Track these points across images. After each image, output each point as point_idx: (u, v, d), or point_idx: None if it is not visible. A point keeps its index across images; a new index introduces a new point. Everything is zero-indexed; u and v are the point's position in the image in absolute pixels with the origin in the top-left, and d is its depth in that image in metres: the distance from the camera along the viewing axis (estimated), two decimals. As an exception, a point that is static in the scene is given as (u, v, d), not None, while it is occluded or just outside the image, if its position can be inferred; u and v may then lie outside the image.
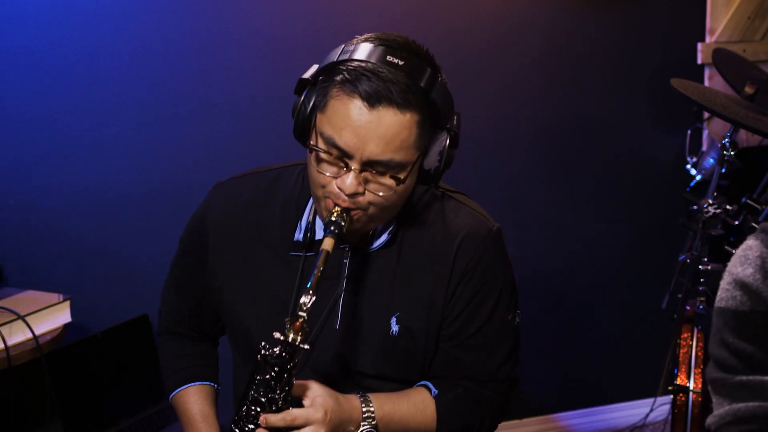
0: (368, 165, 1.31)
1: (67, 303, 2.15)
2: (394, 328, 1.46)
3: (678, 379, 2.44)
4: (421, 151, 1.36)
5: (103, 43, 2.41)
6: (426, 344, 1.48)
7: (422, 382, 1.52)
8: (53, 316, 2.12)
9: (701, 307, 2.24)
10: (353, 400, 1.41)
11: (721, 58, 2.49)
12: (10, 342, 1.98)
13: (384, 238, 1.46)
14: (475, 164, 2.78)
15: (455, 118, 1.40)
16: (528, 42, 2.79)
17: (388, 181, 1.33)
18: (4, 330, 1.97)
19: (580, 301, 3.07)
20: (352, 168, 1.31)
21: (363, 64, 1.29)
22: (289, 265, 1.47)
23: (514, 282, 1.54)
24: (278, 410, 1.30)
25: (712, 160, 2.84)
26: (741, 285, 1.11)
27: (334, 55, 1.34)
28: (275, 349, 1.27)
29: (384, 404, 1.43)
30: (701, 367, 2.31)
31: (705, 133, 2.96)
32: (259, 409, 1.30)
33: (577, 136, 2.93)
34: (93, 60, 2.41)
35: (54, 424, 2.23)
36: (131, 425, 2.35)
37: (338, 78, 1.31)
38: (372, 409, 1.41)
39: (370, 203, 1.35)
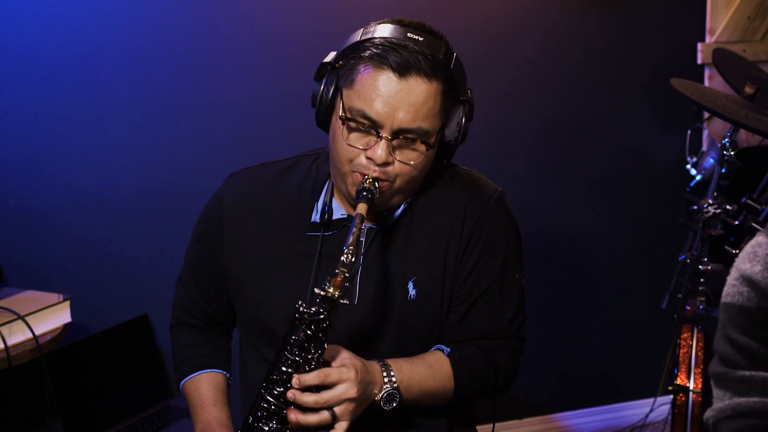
0: (398, 134, 1.38)
1: (67, 303, 2.15)
2: (412, 292, 1.50)
3: (678, 379, 2.44)
4: (443, 122, 1.45)
5: (103, 43, 2.41)
6: (442, 305, 1.52)
7: (436, 346, 1.55)
8: (53, 316, 2.12)
9: (701, 307, 2.24)
10: (374, 365, 1.43)
11: (721, 58, 2.49)
12: (10, 342, 1.98)
13: (400, 210, 1.51)
14: (474, 164, 2.77)
15: (469, 91, 1.48)
16: (528, 42, 2.79)
17: (417, 148, 1.41)
18: (4, 330, 1.97)
19: (580, 300, 3.07)
20: (383, 136, 1.37)
21: (388, 39, 1.38)
22: (307, 245, 1.51)
23: (520, 242, 1.61)
24: (310, 371, 1.32)
25: (712, 160, 2.84)
26: (748, 281, 1.11)
27: (356, 37, 1.42)
28: (312, 308, 1.30)
29: (402, 367, 1.46)
30: (701, 367, 2.31)
31: (705, 133, 2.96)
32: (291, 370, 1.32)
33: (577, 136, 2.93)
34: (93, 60, 2.41)
35: (54, 424, 2.23)
36: (131, 425, 2.35)
37: (366, 54, 1.38)
38: (392, 372, 1.44)
39: (397, 175, 1.41)
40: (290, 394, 1.31)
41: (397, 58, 1.36)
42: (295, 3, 2.54)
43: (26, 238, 2.43)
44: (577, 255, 3.02)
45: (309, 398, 1.31)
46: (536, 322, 2.99)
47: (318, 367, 1.33)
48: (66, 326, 2.15)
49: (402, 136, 1.39)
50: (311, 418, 1.32)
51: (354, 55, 1.40)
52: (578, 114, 2.91)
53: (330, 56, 1.47)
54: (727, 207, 2.29)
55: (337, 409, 1.32)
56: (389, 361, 1.46)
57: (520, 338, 1.60)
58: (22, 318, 2.00)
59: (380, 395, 1.41)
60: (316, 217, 1.52)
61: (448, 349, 1.53)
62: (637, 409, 3.15)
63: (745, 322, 1.11)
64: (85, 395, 2.30)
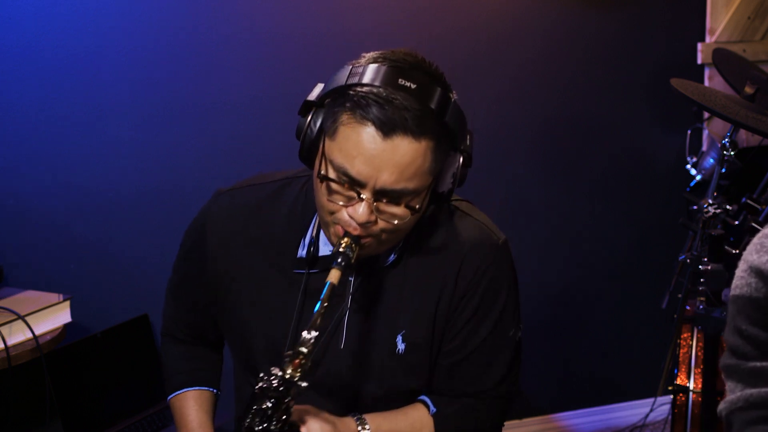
0: (381, 194, 1.26)
1: (67, 303, 2.15)
2: (401, 346, 1.43)
3: (678, 379, 2.44)
4: (434, 176, 1.31)
5: (103, 43, 2.41)
6: (431, 358, 1.46)
7: (421, 398, 1.50)
8: (53, 316, 2.12)
9: (701, 307, 2.24)
10: (350, 423, 1.38)
11: (721, 58, 2.49)
12: (10, 342, 1.98)
13: (392, 258, 1.42)
14: (474, 164, 2.77)
15: (468, 137, 1.34)
16: (528, 42, 2.79)
17: (401, 209, 1.28)
18: (4, 330, 1.97)
19: (580, 301, 3.07)
20: (365, 198, 1.25)
21: (374, 90, 1.22)
22: (292, 281, 1.43)
23: (518, 295, 1.51)
24: None
25: (712, 160, 2.84)
26: (757, 272, 1.11)
27: (342, 77, 1.27)
28: (273, 382, 1.20)
29: (381, 425, 1.40)
30: (701, 367, 2.31)
31: (705, 133, 2.96)
32: None
33: (577, 136, 2.93)
34: (93, 60, 2.41)
35: (54, 424, 2.23)
36: (131, 425, 2.35)
37: (348, 104, 1.24)
38: (367, 427, 1.38)
39: (382, 230, 1.30)
40: None
41: (382, 116, 1.21)
42: (295, 3, 2.54)
43: (26, 238, 2.43)
44: (577, 255, 3.02)
45: None
46: (536, 322, 3.00)
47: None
48: (66, 326, 2.15)
49: (385, 198, 1.26)
50: None
51: (338, 102, 1.26)
52: (578, 114, 2.91)
53: (316, 91, 1.33)
54: (727, 207, 2.29)
55: None
56: (368, 418, 1.40)
57: (509, 397, 1.52)
58: (22, 318, 2.00)
59: None
60: (302, 252, 1.43)
61: (434, 408, 1.47)
62: (637, 409, 3.15)
63: (755, 313, 1.11)
64: (85, 395, 2.30)
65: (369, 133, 1.22)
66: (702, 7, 2.92)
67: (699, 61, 2.94)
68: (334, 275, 1.25)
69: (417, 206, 1.29)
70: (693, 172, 2.89)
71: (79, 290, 2.35)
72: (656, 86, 2.92)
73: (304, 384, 1.20)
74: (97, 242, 2.50)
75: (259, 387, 1.22)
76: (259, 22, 2.53)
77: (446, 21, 2.69)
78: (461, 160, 1.32)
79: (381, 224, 1.29)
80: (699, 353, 2.39)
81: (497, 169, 2.85)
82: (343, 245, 1.27)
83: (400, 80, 1.23)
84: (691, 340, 2.45)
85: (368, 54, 1.30)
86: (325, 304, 1.22)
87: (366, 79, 1.23)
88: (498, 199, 2.86)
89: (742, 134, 2.92)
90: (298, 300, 1.40)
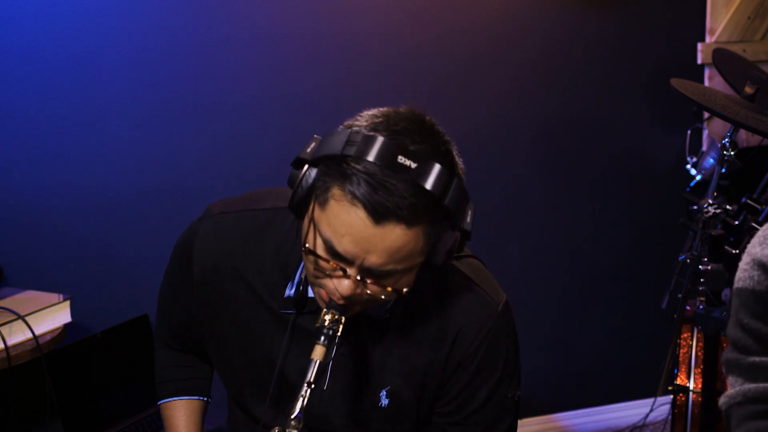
0: (367, 273, 1.19)
1: (67, 303, 2.15)
2: (384, 401, 1.38)
3: (678, 379, 2.44)
4: (427, 253, 1.22)
5: (103, 43, 2.41)
6: (417, 419, 1.41)
7: None
8: (53, 316, 2.12)
9: (701, 307, 2.24)
10: None
11: (721, 58, 2.49)
12: (10, 342, 1.98)
13: (380, 313, 1.35)
14: (474, 164, 2.77)
15: (469, 215, 1.23)
16: (528, 42, 2.79)
17: (391, 282, 1.21)
18: (4, 330, 1.97)
19: (579, 300, 3.07)
20: (350, 274, 1.18)
21: (369, 169, 1.12)
22: (278, 321, 1.38)
23: (518, 358, 1.44)
24: None
25: (712, 160, 2.84)
26: (760, 265, 1.10)
27: (338, 144, 1.16)
28: None
29: None
30: (701, 367, 2.31)
31: (705, 133, 2.96)
32: None
33: (577, 136, 2.93)
34: (93, 60, 2.41)
35: (54, 424, 2.23)
36: (131, 425, 2.35)
37: (340, 178, 1.14)
38: None
39: (368, 300, 1.23)
40: None
41: (374, 201, 1.11)
42: (295, 3, 2.54)
43: (26, 238, 2.43)
44: (577, 255, 3.02)
45: None
46: (536, 322, 3.00)
47: None
48: (66, 326, 2.15)
49: (371, 276, 1.19)
50: None
51: (330, 171, 1.16)
52: (578, 114, 2.91)
53: (310, 148, 1.22)
54: (727, 207, 2.29)
55: None
56: None
57: None
58: (22, 318, 2.00)
59: None
60: (290, 292, 1.36)
61: None
62: (637, 409, 3.15)
63: (757, 306, 1.11)
64: (85, 395, 2.30)
65: (359, 216, 1.13)
66: (702, 7, 2.92)
67: (699, 61, 2.94)
68: (318, 352, 1.18)
69: (404, 288, 1.22)
70: (693, 172, 2.89)
71: (79, 290, 2.35)
72: (656, 86, 2.92)
73: None
74: (97, 242, 2.50)
75: None
76: (259, 22, 2.53)
77: (446, 21, 2.69)
78: (458, 237, 1.22)
79: (366, 296, 1.22)
80: (699, 353, 2.39)
81: (497, 169, 2.85)
82: (327, 321, 1.20)
83: (399, 158, 1.13)
84: (691, 340, 2.45)
85: (368, 113, 1.20)
86: (312, 386, 1.17)
87: (362, 153, 1.13)
88: (498, 199, 2.86)
89: (742, 134, 2.92)
90: (284, 341, 1.35)
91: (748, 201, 2.27)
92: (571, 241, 3.00)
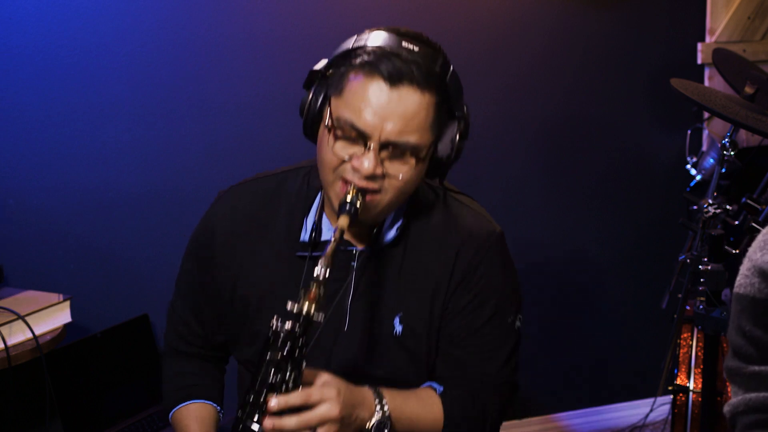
0: (386, 146, 1.32)
1: (67, 303, 2.15)
2: (398, 328, 1.46)
3: (678, 379, 2.43)
4: (436, 136, 1.37)
5: (102, 43, 2.41)
6: (429, 344, 1.48)
7: (427, 383, 1.52)
8: (53, 316, 2.12)
9: (701, 307, 2.24)
10: (364, 389, 1.39)
11: (721, 58, 2.49)
12: (10, 342, 1.98)
13: (393, 233, 1.46)
14: (474, 164, 2.78)
15: (465, 108, 1.41)
16: (528, 42, 2.79)
17: (407, 161, 1.34)
18: (4, 330, 1.97)
19: (579, 300, 3.07)
20: (371, 148, 1.31)
21: (381, 47, 1.31)
22: (295, 266, 1.46)
23: (517, 285, 1.54)
24: (289, 392, 1.25)
25: (712, 160, 2.84)
26: (760, 272, 1.09)
27: (348, 44, 1.35)
28: (287, 325, 1.22)
29: (394, 397, 1.41)
30: (701, 367, 2.31)
31: (705, 133, 2.96)
32: (268, 392, 1.25)
33: (577, 136, 2.93)
34: (93, 60, 2.41)
35: (54, 424, 2.23)
36: (131, 425, 2.36)
37: (356, 61, 1.32)
38: (385, 401, 1.39)
39: (385, 188, 1.35)
40: (268, 421, 1.22)
41: (389, 67, 1.29)
42: (295, 3, 2.54)
43: (26, 238, 2.43)
44: (577, 255, 3.02)
45: (290, 421, 1.23)
46: (536, 322, 3.00)
47: (297, 388, 1.25)
48: (66, 326, 2.15)
49: (389, 149, 1.32)
50: None
51: (345, 63, 1.34)
52: (578, 114, 2.91)
53: (320, 64, 1.40)
54: (727, 207, 2.29)
55: (321, 430, 1.26)
56: (382, 389, 1.41)
57: (510, 384, 1.54)
58: (22, 318, 2.00)
59: (371, 423, 1.36)
60: (305, 236, 1.47)
61: (440, 388, 1.49)
62: (637, 409, 3.15)
63: (757, 313, 1.10)
64: (85, 395, 2.30)
65: (376, 85, 1.30)
66: (702, 7, 2.92)
67: (699, 61, 2.94)
68: (342, 221, 1.29)
69: (419, 159, 1.34)
70: (693, 172, 2.89)
71: (79, 290, 2.35)
72: (656, 86, 2.92)
73: (321, 317, 1.23)
74: (97, 242, 2.50)
75: (273, 331, 1.23)
76: (259, 23, 2.53)
77: (446, 21, 2.69)
78: (460, 126, 1.39)
79: (385, 180, 1.34)
80: (699, 353, 2.39)
81: (497, 169, 2.85)
82: (350, 195, 1.31)
83: (404, 43, 1.31)
84: (691, 340, 2.45)
85: (370, 29, 1.37)
86: (336, 240, 1.26)
87: (372, 43, 1.32)
88: (498, 199, 2.86)
89: (742, 134, 2.92)
90: (301, 284, 1.42)
91: (748, 201, 2.27)
92: (571, 240, 3.00)
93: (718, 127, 2.93)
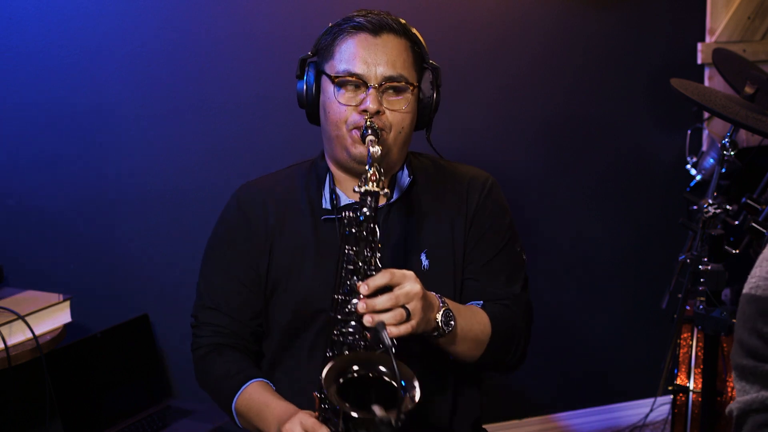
0: (383, 84, 1.53)
1: (67, 303, 2.15)
2: (425, 262, 1.61)
3: (678, 379, 2.43)
4: (418, 77, 1.59)
5: (102, 43, 2.41)
6: (455, 274, 1.63)
7: (468, 304, 1.63)
8: (53, 316, 2.12)
9: (701, 307, 2.24)
10: (431, 296, 1.46)
11: (721, 58, 2.49)
12: (10, 342, 1.98)
13: (406, 180, 1.63)
14: (474, 163, 2.77)
15: (431, 61, 1.62)
16: (528, 42, 2.79)
17: (404, 95, 1.55)
18: (4, 330, 1.97)
19: (579, 300, 3.07)
20: (372, 85, 1.52)
21: (358, 14, 1.56)
22: (326, 230, 1.61)
23: (513, 221, 1.74)
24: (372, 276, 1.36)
25: (712, 160, 2.84)
26: None
27: (328, 27, 1.59)
28: (357, 211, 1.37)
29: (449, 301, 1.51)
30: (701, 367, 2.31)
31: (705, 133, 2.96)
32: (355, 279, 1.37)
33: (577, 136, 2.93)
34: (93, 60, 2.41)
35: (54, 424, 2.23)
36: (131, 425, 2.35)
37: (339, 30, 1.56)
38: (444, 300, 1.48)
39: (391, 124, 1.54)
40: (360, 304, 1.33)
41: (371, 20, 1.54)
42: (295, 3, 2.54)
43: (26, 238, 2.43)
44: (577, 255, 3.02)
45: (382, 298, 1.34)
46: (536, 321, 2.99)
47: (378, 272, 1.36)
48: (66, 326, 2.15)
49: (387, 84, 1.53)
50: (387, 315, 1.33)
51: (329, 37, 1.58)
52: (578, 114, 2.91)
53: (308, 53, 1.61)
54: (727, 207, 2.29)
55: (410, 306, 1.36)
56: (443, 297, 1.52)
57: (530, 304, 1.70)
58: (22, 318, 2.00)
59: (438, 316, 1.45)
60: (327, 204, 1.62)
61: (480, 302, 1.62)
62: (637, 409, 3.15)
63: None
64: (85, 395, 2.30)
65: (362, 37, 1.55)
66: (702, 7, 2.92)
67: (699, 61, 2.94)
68: (371, 142, 1.45)
69: (413, 91, 1.56)
70: (693, 172, 2.89)
71: (79, 290, 2.35)
72: (656, 86, 2.92)
73: (386, 190, 1.39)
74: (97, 242, 2.50)
75: (347, 217, 1.38)
76: (259, 22, 2.53)
77: (446, 21, 2.69)
78: (435, 74, 1.61)
79: (389, 115, 1.54)
80: (699, 353, 2.39)
81: (497, 169, 2.82)
82: (368, 123, 1.49)
83: (374, 11, 1.58)
84: (691, 340, 2.45)
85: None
86: (374, 162, 1.40)
87: (353, 17, 1.56)
88: (498, 199, 2.86)
89: (742, 134, 2.92)
90: (338, 243, 1.48)
91: (748, 201, 2.27)
92: (571, 240, 3.00)
93: (718, 127, 2.93)
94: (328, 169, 1.65)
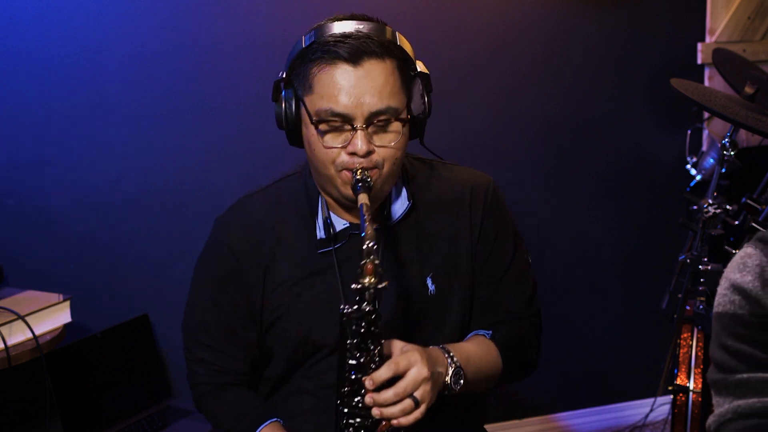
0: (371, 119, 1.39)
1: (67, 303, 2.15)
2: (431, 287, 1.55)
3: (678, 379, 2.43)
4: (408, 97, 1.45)
5: (102, 43, 2.41)
6: (463, 297, 1.57)
7: (474, 332, 1.60)
8: (53, 316, 2.12)
9: (701, 307, 2.24)
10: (434, 348, 1.45)
11: (721, 58, 2.49)
12: (10, 342, 1.98)
13: (400, 203, 1.54)
14: (474, 163, 2.77)
15: (420, 63, 1.48)
16: (528, 42, 2.79)
17: (392, 128, 1.42)
18: (4, 330, 1.97)
19: (579, 300, 3.07)
20: (358, 127, 1.38)
21: (333, 35, 1.38)
22: (321, 261, 1.53)
23: (515, 225, 1.69)
24: (376, 368, 1.32)
25: (712, 160, 2.84)
26: (739, 290, 1.13)
27: (299, 45, 1.42)
28: (356, 306, 1.29)
29: (458, 349, 1.48)
30: (701, 367, 2.31)
31: (705, 133, 2.96)
32: (359, 375, 1.32)
33: (577, 136, 2.93)
34: (92, 60, 2.41)
35: (54, 424, 2.23)
36: (131, 425, 2.35)
37: (315, 56, 1.39)
38: (452, 352, 1.45)
39: (383, 160, 1.41)
40: (368, 398, 1.31)
41: (347, 48, 1.37)
42: (295, 3, 2.54)
43: (26, 238, 2.43)
44: (577, 255, 3.02)
45: (388, 394, 1.31)
46: (536, 322, 2.99)
47: (382, 362, 1.33)
48: (66, 326, 2.15)
49: (375, 121, 1.39)
50: (395, 409, 1.31)
51: (304, 62, 1.41)
52: (578, 114, 2.91)
53: (281, 74, 1.47)
54: (727, 207, 2.29)
55: (416, 393, 1.33)
56: (445, 345, 1.48)
57: (539, 312, 1.67)
58: (22, 318, 2.00)
59: (448, 376, 1.42)
60: (321, 234, 1.53)
61: (489, 332, 1.58)
62: (637, 409, 3.15)
63: (740, 329, 1.13)
64: (85, 395, 2.30)
65: (341, 69, 1.37)
66: (702, 7, 2.92)
67: (699, 61, 2.94)
68: (362, 197, 1.36)
69: (403, 122, 1.42)
70: (693, 172, 2.89)
71: (79, 290, 2.35)
72: (656, 86, 2.92)
73: (385, 283, 1.28)
74: (97, 242, 2.50)
75: (346, 315, 1.29)
76: (259, 22, 2.53)
77: (446, 21, 2.69)
78: (423, 81, 1.46)
79: (380, 152, 1.41)
80: (699, 353, 2.39)
81: (496, 170, 2.84)
82: (357, 174, 1.38)
83: (354, 25, 1.40)
84: (691, 340, 2.45)
85: (310, 26, 1.45)
86: (367, 215, 1.31)
87: (323, 33, 1.39)
88: (498, 199, 2.86)
89: (742, 134, 2.92)
90: (336, 271, 1.49)
91: (748, 201, 2.27)
92: (571, 241, 3.00)
93: (718, 127, 2.93)
94: (319, 193, 1.55)
